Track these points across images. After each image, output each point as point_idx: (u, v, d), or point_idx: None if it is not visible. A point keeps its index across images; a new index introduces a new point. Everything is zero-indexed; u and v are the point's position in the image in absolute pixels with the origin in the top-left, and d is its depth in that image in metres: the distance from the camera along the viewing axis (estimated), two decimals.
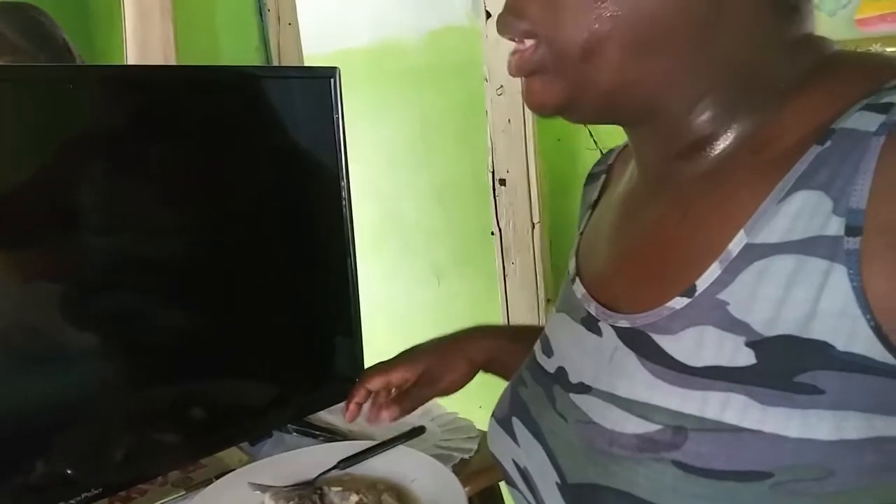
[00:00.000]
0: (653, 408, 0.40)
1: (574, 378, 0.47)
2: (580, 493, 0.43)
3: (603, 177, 0.59)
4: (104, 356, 0.75)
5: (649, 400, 0.40)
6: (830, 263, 0.35)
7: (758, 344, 0.37)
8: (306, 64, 1.71)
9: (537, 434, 0.48)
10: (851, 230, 0.34)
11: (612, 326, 0.45)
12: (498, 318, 1.46)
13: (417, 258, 1.93)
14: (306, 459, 0.79)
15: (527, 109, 1.49)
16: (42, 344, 0.70)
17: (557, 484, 0.45)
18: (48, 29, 1.05)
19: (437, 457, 0.81)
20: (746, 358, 0.37)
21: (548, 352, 0.52)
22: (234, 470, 0.79)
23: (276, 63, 1.51)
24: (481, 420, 0.96)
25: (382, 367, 0.76)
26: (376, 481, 0.75)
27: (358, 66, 1.89)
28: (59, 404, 0.71)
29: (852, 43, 1.06)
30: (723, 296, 0.39)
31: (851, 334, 0.34)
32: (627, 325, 0.44)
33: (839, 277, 0.35)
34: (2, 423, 0.67)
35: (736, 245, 0.39)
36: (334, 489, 0.72)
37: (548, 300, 1.42)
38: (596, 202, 0.58)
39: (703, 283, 0.39)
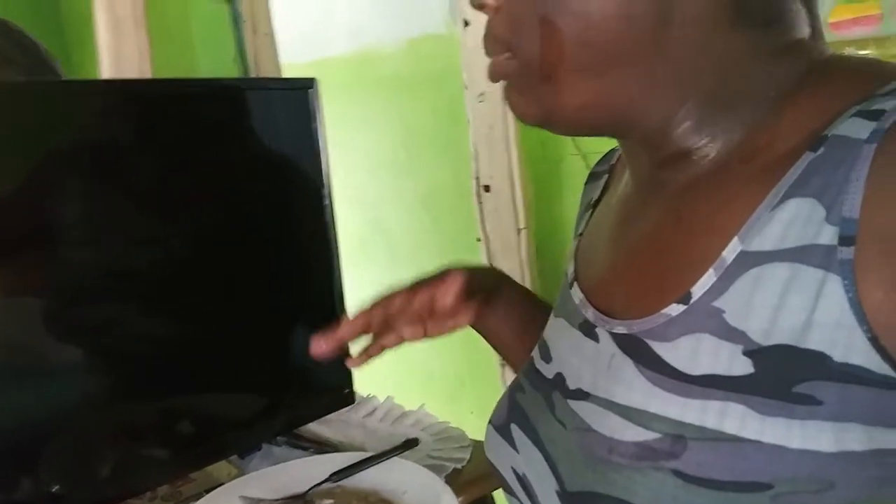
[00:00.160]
0: (651, 416, 0.39)
1: (572, 384, 0.46)
2: (579, 500, 0.42)
3: (605, 177, 0.58)
4: (90, 370, 0.74)
5: (647, 408, 0.40)
6: (825, 273, 0.35)
7: (755, 353, 0.37)
8: (285, 74, 1.70)
9: (536, 441, 0.47)
10: (845, 240, 0.34)
11: (610, 333, 0.45)
12: None
13: (404, 266, 1.92)
14: (297, 472, 0.78)
15: (509, 116, 1.50)
16: (26, 358, 0.69)
17: (557, 492, 0.44)
18: (33, 42, 1.04)
19: (430, 467, 0.80)
20: (744, 367, 0.37)
21: (546, 357, 0.51)
22: (223, 484, 0.78)
23: (252, 73, 1.49)
24: (474, 427, 0.96)
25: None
26: (368, 493, 0.74)
27: (337, 75, 1.88)
28: (45, 419, 0.70)
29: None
30: (718, 303, 0.38)
31: (848, 345, 0.34)
32: (624, 332, 0.43)
33: (834, 288, 0.34)
34: None
35: (730, 252, 0.38)
36: (326, 502, 0.71)
37: None
38: (597, 202, 0.57)
39: (698, 291, 0.39)
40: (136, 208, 0.77)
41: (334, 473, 0.77)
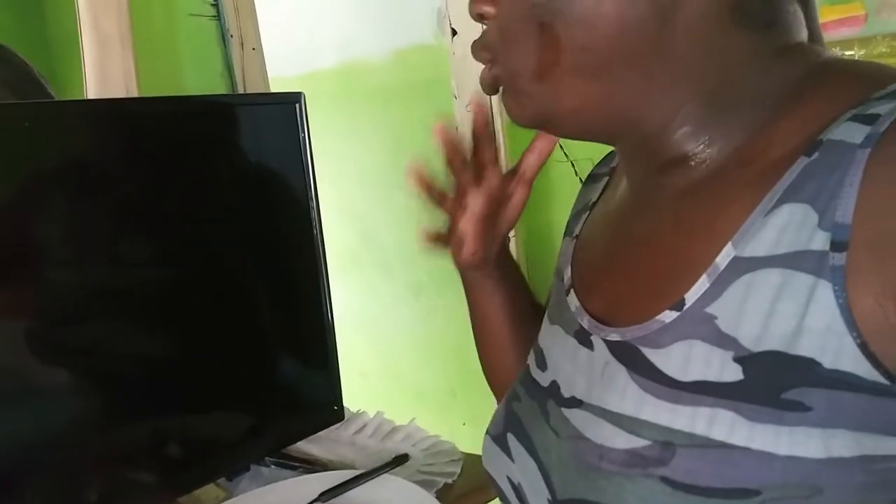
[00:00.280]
0: (642, 423, 0.39)
1: (567, 392, 0.46)
2: None
3: (605, 179, 0.57)
4: (75, 393, 0.73)
5: (638, 415, 0.40)
6: (816, 279, 0.34)
7: (745, 360, 0.36)
8: (273, 87, 1.70)
9: (531, 449, 0.47)
10: (837, 245, 0.34)
11: (604, 340, 0.44)
12: None
13: (397, 277, 1.92)
14: (286, 493, 0.78)
15: (498, 124, 1.50)
16: (10, 381, 0.69)
17: (548, 500, 0.44)
18: (22, 61, 1.04)
19: (420, 483, 0.80)
20: (734, 373, 0.37)
21: (542, 365, 0.51)
22: None
23: (241, 88, 1.49)
24: (467, 438, 0.95)
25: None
26: None
27: (326, 88, 1.88)
28: (28, 445, 0.70)
29: None
30: (711, 309, 0.38)
31: (838, 351, 0.34)
32: (618, 339, 0.43)
33: (824, 294, 0.34)
34: None
35: (724, 258, 0.38)
36: None
37: None
38: (594, 204, 0.56)
39: (691, 297, 0.39)
40: (123, 227, 0.77)
41: (323, 493, 0.77)
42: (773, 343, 0.35)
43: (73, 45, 1.36)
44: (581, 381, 0.45)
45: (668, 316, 0.40)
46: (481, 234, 0.60)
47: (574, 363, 0.47)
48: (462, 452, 0.95)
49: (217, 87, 1.44)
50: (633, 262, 0.46)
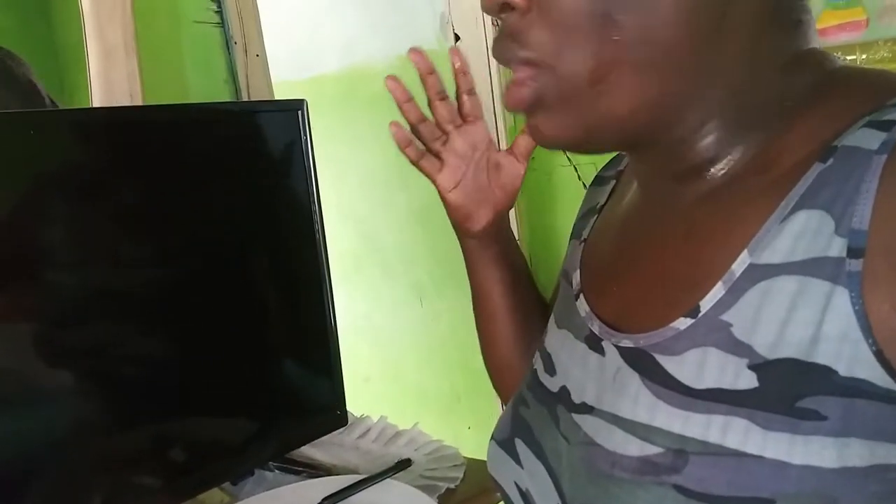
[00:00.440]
0: (655, 430, 0.39)
1: (577, 398, 0.46)
2: None
3: (613, 182, 0.56)
4: (79, 397, 0.74)
5: (651, 422, 0.39)
6: (833, 286, 0.34)
7: (760, 367, 0.36)
8: (277, 92, 1.71)
9: (540, 455, 0.47)
10: (853, 252, 0.34)
11: (616, 346, 0.44)
12: None
13: (399, 280, 1.93)
14: (290, 497, 0.78)
15: (499, 128, 1.50)
16: (14, 385, 0.69)
17: None
18: (14, 70, 1.05)
19: (423, 487, 0.80)
20: (748, 381, 0.36)
21: (550, 370, 0.51)
22: None
23: (245, 95, 1.50)
24: (471, 441, 0.95)
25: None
26: None
27: (329, 92, 1.89)
28: (31, 448, 0.70)
29: None
30: (726, 317, 0.38)
31: (853, 359, 0.34)
32: (631, 346, 0.43)
33: (841, 300, 0.34)
34: None
35: (739, 265, 0.38)
36: None
37: None
38: (602, 207, 0.56)
39: (706, 304, 0.39)
40: (128, 233, 0.78)
41: (326, 498, 0.77)
42: (788, 350, 0.35)
43: (81, 51, 1.37)
44: (592, 387, 0.45)
45: (683, 323, 0.40)
46: (464, 177, 0.63)
47: (584, 369, 0.46)
48: (465, 457, 0.95)
49: (221, 93, 1.45)
50: (646, 267, 0.46)
